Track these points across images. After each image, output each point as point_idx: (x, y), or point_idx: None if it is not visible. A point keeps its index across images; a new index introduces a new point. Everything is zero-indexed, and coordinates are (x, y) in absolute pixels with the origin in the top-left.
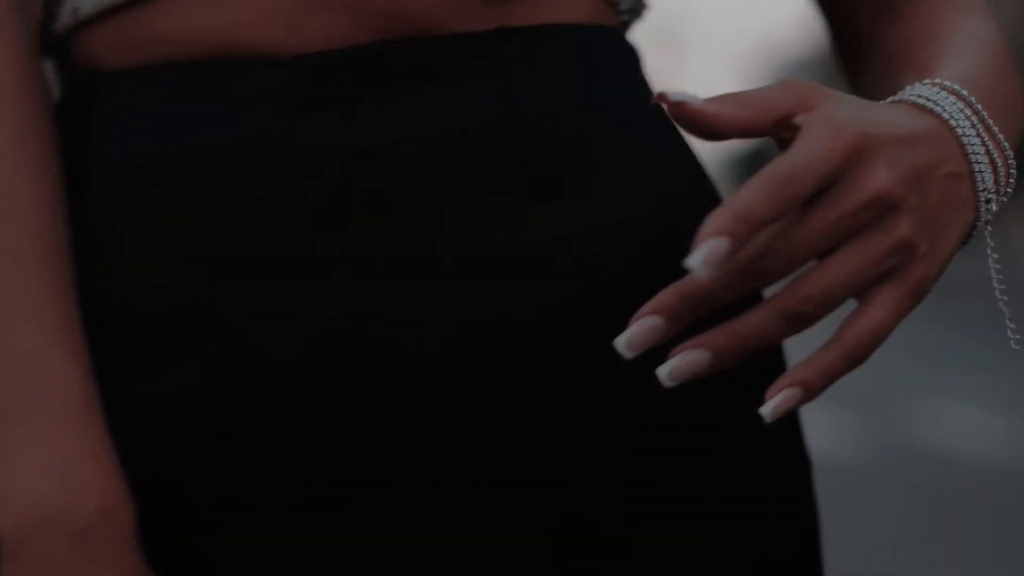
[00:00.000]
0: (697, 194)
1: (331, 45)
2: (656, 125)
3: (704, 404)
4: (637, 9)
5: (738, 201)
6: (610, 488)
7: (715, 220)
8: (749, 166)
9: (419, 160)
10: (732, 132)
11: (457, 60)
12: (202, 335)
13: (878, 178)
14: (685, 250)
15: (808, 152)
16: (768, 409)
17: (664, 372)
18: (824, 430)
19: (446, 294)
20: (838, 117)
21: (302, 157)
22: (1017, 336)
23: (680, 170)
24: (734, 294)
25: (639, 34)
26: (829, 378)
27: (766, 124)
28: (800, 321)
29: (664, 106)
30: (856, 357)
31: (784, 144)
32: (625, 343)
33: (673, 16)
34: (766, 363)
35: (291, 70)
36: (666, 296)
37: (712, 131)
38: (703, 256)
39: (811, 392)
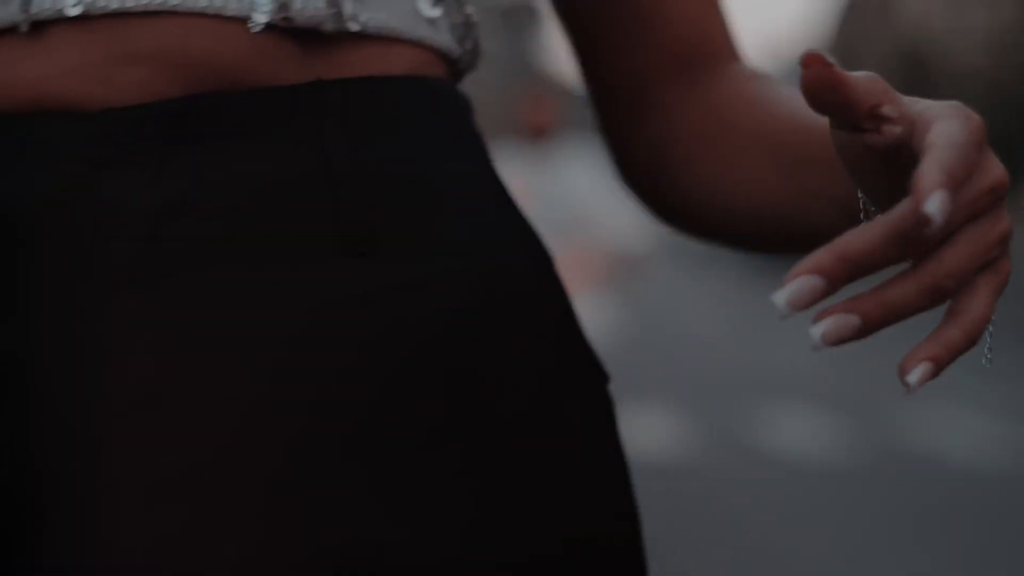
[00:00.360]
0: (520, 248)
1: (141, 99)
2: (480, 177)
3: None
4: (468, 59)
5: (944, 162)
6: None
7: (934, 176)
8: None
9: (229, 216)
10: (853, 106)
11: (271, 114)
12: (6, 395)
13: (997, 167)
14: (505, 305)
15: (963, 130)
16: (914, 378)
17: (817, 333)
18: (818, 434)
19: (256, 351)
20: (956, 105)
21: (108, 213)
22: (990, 356)
23: (503, 223)
24: (886, 262)
25: None
26: (953, 356)
27: (867, 106)
28: (940, 295)
29: (805, 65)
30: (973, 340)
31: (866, 132)
32: (786, 300)
33: None
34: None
35: (98, 124)
36: (824, 257)
37: (842, 103)
38: (938, 206)
39: (940, 368)
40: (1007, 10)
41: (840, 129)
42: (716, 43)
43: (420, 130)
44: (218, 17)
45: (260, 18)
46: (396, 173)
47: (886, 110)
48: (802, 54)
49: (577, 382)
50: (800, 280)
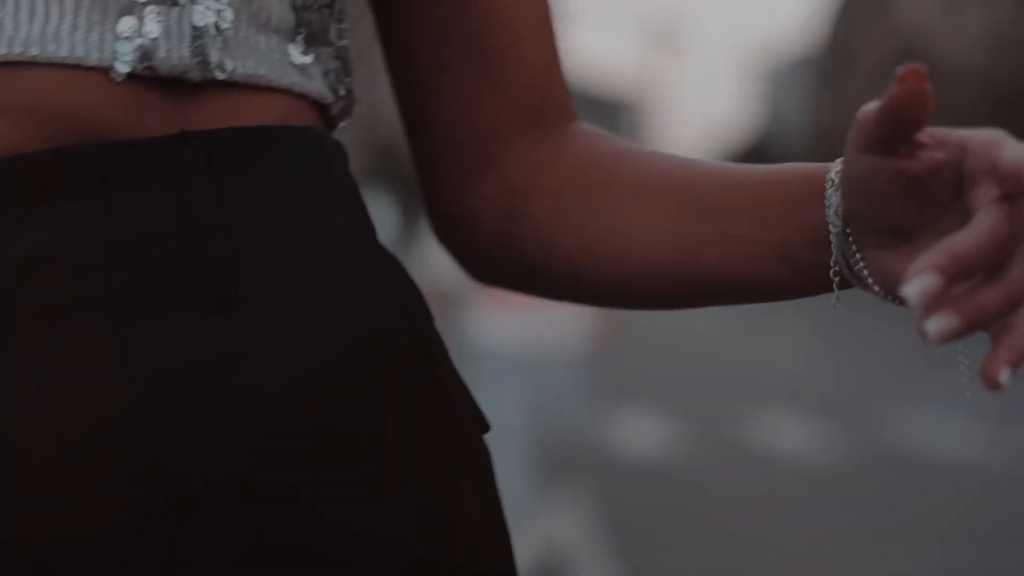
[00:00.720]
0: (389, 302)
1: (2, 152)
2: (349, 229)
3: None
4: (342, 105)
5: None
6: None
7: None
8: (745, 161)
9: (92, 271)
10: (923, 125)
11: (134, 167)
12: None
13: None
14: (372, 362)
15: None
16: (1005, 378)
17: (933, 328)
18: (807, 434)
19: (116, 410)
20: (1000, 132)
21: None
22: (969, 373)
23: (372, 276)
24: (981, 267)
25: (636, 34)
26: (1020, 361)
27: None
28: (1016, 304)
29: (904, 79)
30: None
31: (900, 158)
32: (918, 294)
33: (671, 16)
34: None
35: None
36: (940, 257)
37: (921, 121)
38: None
39: (1014, 370)
40: (1003, 10)
41: (873, 154)
42: (561, 101)
43: (288, 182)
44: (79, 67)
45: (122, 68)
46: (262, 227)
47: (923, 137)
48: (902, 68)
49: (446, 434)
50: (926, 277)
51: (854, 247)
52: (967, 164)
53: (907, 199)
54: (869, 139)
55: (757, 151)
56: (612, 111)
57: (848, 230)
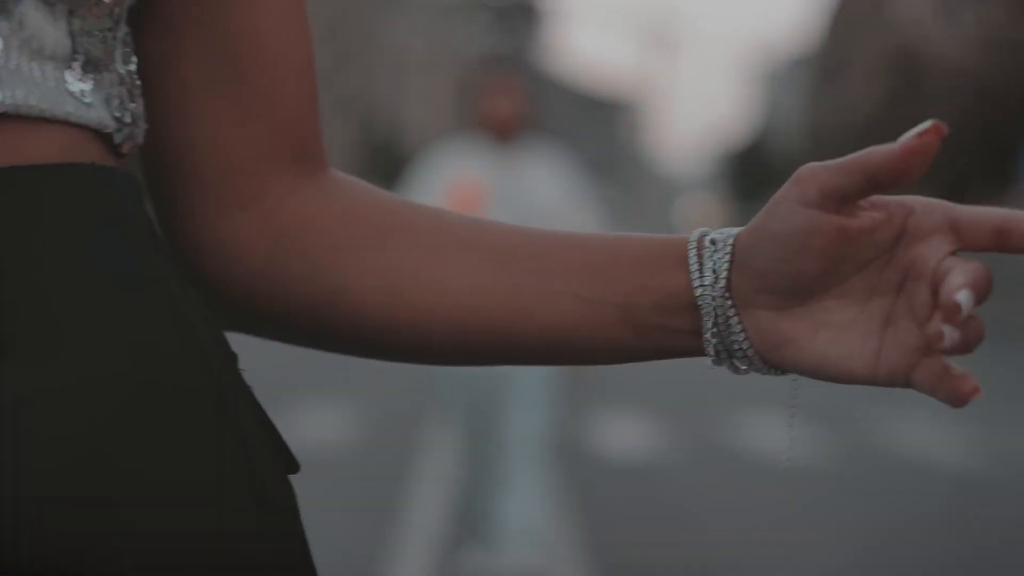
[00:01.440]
0: (179, 342)
1: None
2: (137, 268)
3: None
4: (129, 132)
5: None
6: None
7: None
8: (740, 163)
9: None
10: (912, 182)
11: None
12: None
13: None
14: (157, 408)
15: None
16: (975, 382)
17: (948, 337)
18: (798, 440)
19: None
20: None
21: None
22: (791, 455)
23: (160, 317)
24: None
25: (634, 34)
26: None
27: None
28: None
29: (924, 135)
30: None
31: (843, 216)
32: (966, 302)
33: (669, 16)
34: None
35: None
36: (970, 280)
37: (918, 175)
38: None
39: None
40: (998, 10)
41: (821, 208)
42: (318, 146)
43: (66, 224)
44: None
45: None
46: (39, 273)
47: (876, 200)
48: (933, 121)
49: (237, 480)
50: (968, 290)
51: (731, 310)
52: (914, 222)
53: (832, 257)
54: (825, 191)
55: (754, 150)
56: (610, 111)
57: (728, 293)
